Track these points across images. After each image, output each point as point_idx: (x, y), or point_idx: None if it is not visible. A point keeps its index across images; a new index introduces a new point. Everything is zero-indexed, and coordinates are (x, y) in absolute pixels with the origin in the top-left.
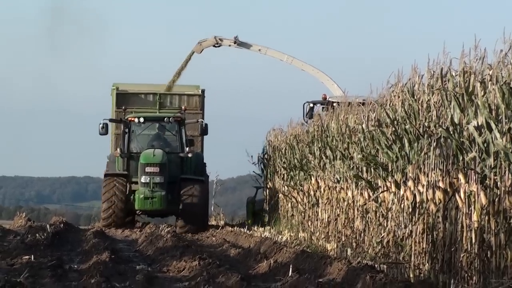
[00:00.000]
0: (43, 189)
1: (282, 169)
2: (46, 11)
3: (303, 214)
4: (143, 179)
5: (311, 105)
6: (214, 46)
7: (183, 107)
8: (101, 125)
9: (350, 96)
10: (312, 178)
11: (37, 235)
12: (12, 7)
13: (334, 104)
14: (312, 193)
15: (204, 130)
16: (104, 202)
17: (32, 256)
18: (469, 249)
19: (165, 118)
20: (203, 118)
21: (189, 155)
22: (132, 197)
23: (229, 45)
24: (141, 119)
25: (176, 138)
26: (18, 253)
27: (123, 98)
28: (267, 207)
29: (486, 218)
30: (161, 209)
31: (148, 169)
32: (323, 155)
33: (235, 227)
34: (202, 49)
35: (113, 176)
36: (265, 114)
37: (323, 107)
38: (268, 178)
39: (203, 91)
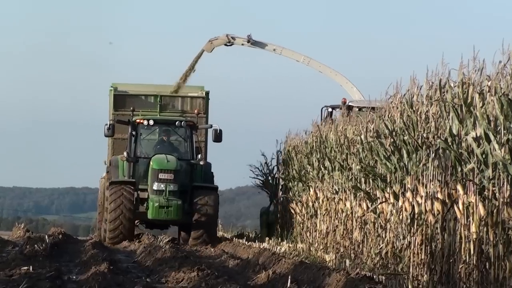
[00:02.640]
0: (41, 200)
1: (281, 179)
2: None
3: (301, 225)
4: (155, 186)
5: (330, 109)
6: (225, 45)
7: (195, 110)
8: (107, 126)
9: (371, 100)
10: (311, 189)
11: (35, 246)
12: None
13: (355, 109)
14: (310, 204)
15: (218, 137)
16: (110, 212)
17: (31, 267)
18: (467, 261)
19: (177, 122)
20: (207, 123)
21: (201, 162)
22: (146, 205)
23: (242, 44)
24: (151, 122)
25: (185, 143)
26: (16, 264)
27: (121, 100)
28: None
29: (485, 229)
30: (176, 219)
31: (162, 176)
32: (321, 166)
33: (234, 238)
34: (213, 48)
35: (120, 184)
36: (275, 122)
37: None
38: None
39: (207, 93)
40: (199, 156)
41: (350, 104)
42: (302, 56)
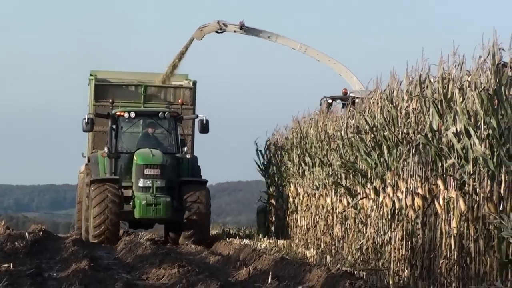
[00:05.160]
0: (22, 197)
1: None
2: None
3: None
4: (141, 182)
5: (330, 100)
6: (216, 32)
7: (179, 101)
8: (85, 120)
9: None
10: (291, 185)
11: (16, 243)
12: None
13: (356, 100)
14: (291, 200)
15: (205, 128)
16: (94, 212)
17: (11, 264)
18: (448, 256)
19: (160, 113)
20: (194, 114)
21: (187, 155)
22: (132, 203)
23: (234, 31)
24: (132, 114)
25: (169, 136)
26: None
27: (103, 90)
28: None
29: (465, 224)
30: (165, 217)
31: (147, 172)
32: (302, 162)
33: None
34: (203, 35)
35: (103, 182)
36: (263, 114)
37: (343, 103)
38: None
39: (194, 83)
40: (185, 149)
41: (351, 94)
42: (299, 43)
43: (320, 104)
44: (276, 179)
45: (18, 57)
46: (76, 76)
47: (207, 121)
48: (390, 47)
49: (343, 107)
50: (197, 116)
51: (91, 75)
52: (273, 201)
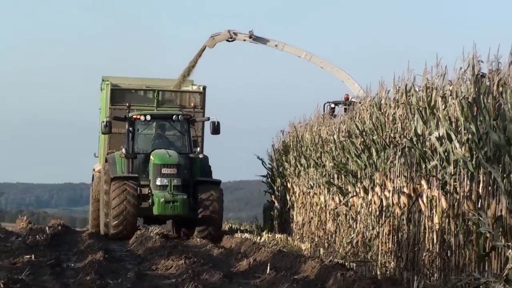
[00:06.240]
0: (42, 195)
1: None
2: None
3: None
4: (158, 181)
5: (332, 105)
6: (227, 40)
7: (192, 104)
8: (104, 123)
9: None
10: (288, 184)
11: (37, 236)
12: None
13: (358, 105)
14: (288, 198)
15: (216, 129)
16: (115, 215)
17: (33, 255)
18: (431, 249)
19: (174, 116)
20: (204, 117)
21: (200, 156)
22: (150, 201)
23: (244, 40)
24: (148, 117)
25: (183, 137)
26: (20, 253)
27: (118, 94)
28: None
29: (447, 220)
30: (182, 214)
31: (165, 171)
32: (298, 163)
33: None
34: (215, 44)
35: (122, 179)
36: (266, 119)
37: (345, 108)
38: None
39: (204, 88)
40: (198, 149)
41: (353, 100)
42: (304, 52)
43: (324, 109)
44: (275, 178)
45: (36, 67)
46: (84, 84)
47: (218, 123)
48: (390, 54)
49: (345, 111)
50: (208, 119)
51: (103, 80)
52: (274, 199)
